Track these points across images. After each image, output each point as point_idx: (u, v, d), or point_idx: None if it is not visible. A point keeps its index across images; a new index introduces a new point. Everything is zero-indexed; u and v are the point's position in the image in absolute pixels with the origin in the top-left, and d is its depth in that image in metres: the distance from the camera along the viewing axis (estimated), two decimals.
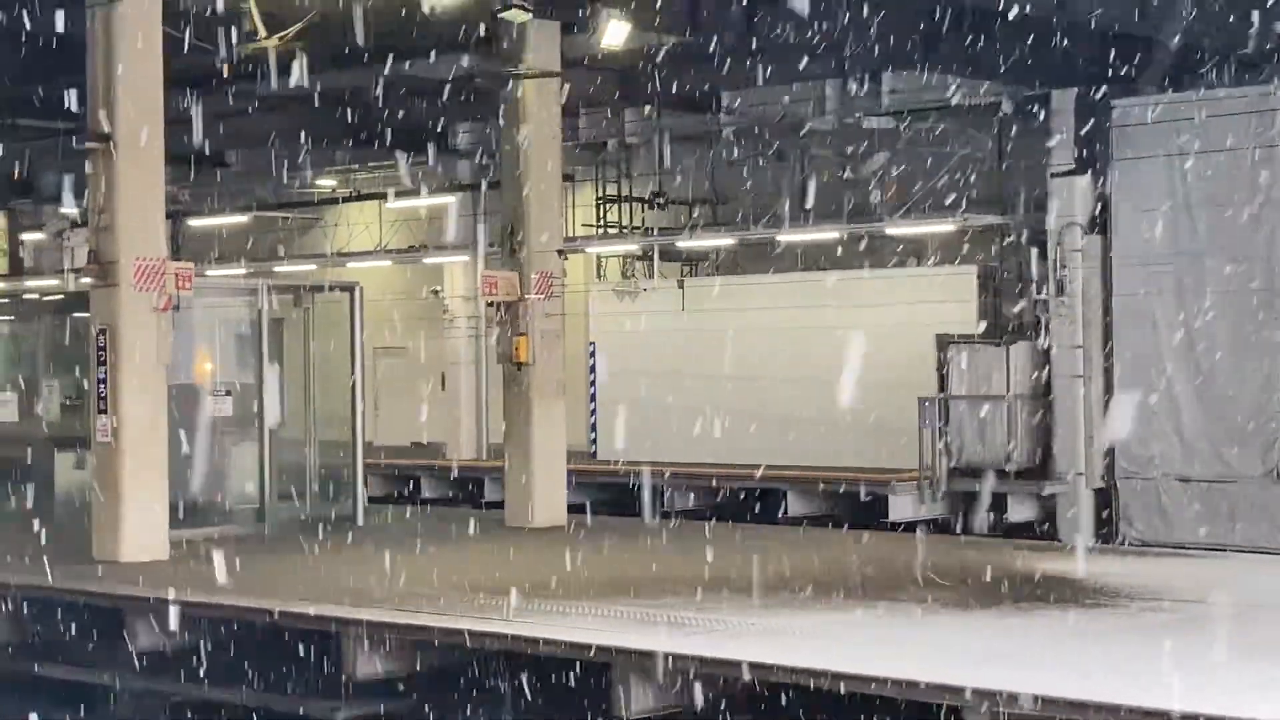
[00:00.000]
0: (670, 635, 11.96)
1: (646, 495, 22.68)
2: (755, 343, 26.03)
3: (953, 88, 22.16)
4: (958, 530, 21.62)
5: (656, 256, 27.67)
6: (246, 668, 13.90)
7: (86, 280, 16.83)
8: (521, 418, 19.89)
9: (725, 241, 26.71)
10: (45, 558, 15.70)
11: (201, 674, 14.16)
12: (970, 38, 19.59)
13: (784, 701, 11.14)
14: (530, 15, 18.13)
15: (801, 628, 12.34)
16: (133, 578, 14.91)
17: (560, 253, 20.36)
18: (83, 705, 14.67)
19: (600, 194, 28.30)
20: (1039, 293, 22.06)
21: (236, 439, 19.21)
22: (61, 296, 23.57)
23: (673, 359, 26.88)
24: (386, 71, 19.89)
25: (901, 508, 22.35)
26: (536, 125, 19.70)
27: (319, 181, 31.53)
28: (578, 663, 12.01)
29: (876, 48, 19.40)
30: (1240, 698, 9.61)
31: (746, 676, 10.95)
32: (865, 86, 23.24)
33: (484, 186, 27.46)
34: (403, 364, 31.50)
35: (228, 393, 19.04)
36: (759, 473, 23.52)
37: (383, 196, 30.05)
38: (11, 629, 15.42)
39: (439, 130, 26.12)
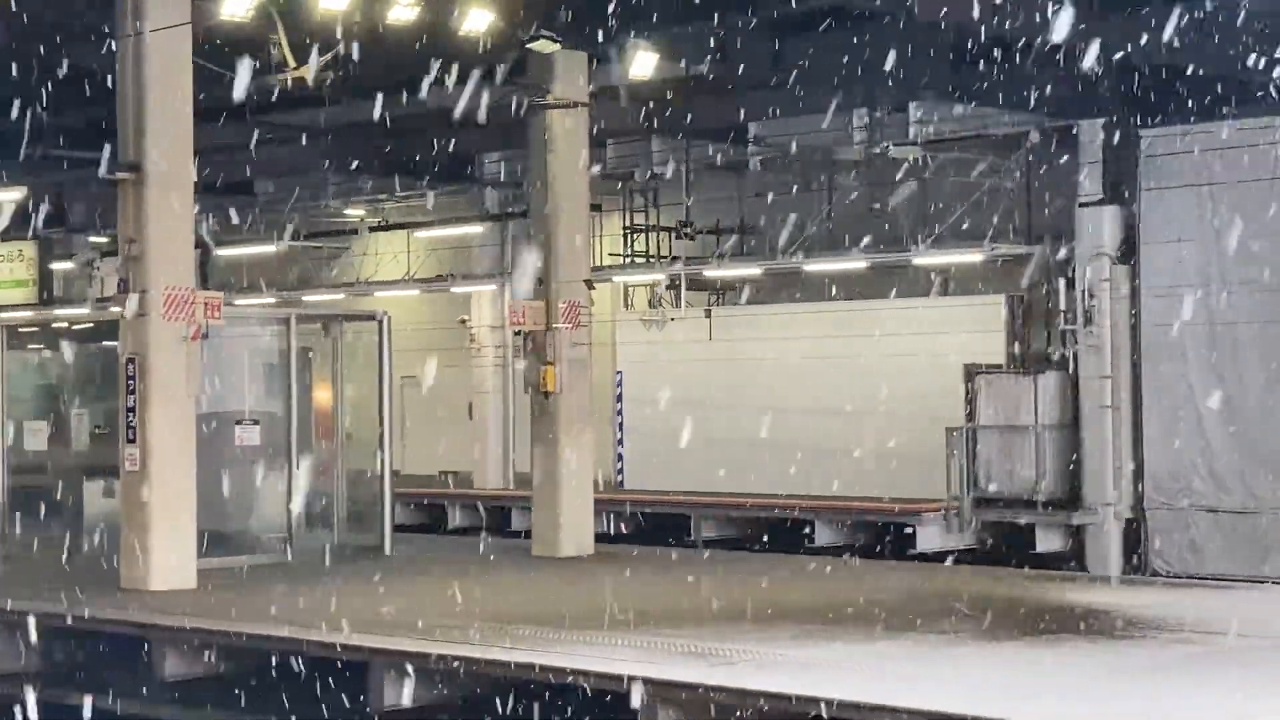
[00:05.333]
0: (697, 666, 11.94)
1: (673, 525, 22.57)
2: (782, 372, 26.00)
3: (980, 117, 22.14)
4: (985, 561, 21.52)
5: (684, 286, 27.65)
6: (272, 698, 13.88)
7: (116, 309, 16.88)
8: (549, 447, 19.90)
9: (752, 271, 26.70)
10: (74, 586, 15.73)
11: (226, 704, 14.16)
12: (998, 68, 19.56)
13: None
14: (559, 46, 18.22)
15: (828, 659, 12.30)
16: (160, 606, 14.94)
17: (588, 282, 20.38)
18: None
19: (628, 223, 28.31)
20: (1067, 323, 21.99)
21: (264, 468, 19.24)
22: (91, 325, 23.62)
23: (700, 388, 26.83)
24: (415, 101, 19.93)
25: (929, 538, 22.30)
26: (564, 155, 19.75)
27: (347, 211, 31.60)
28: (605, 693, 11.98)
29: (904, 77, 19.40)
30: None
31: (770, 708, 10.91)
32: (892, 116, 23.21)
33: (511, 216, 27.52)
34: (430, 393, 31.45)
35: (255, 422, 19.08)
36: (786, 502, 23.48)
37: (411, 226, 30.08)
38: (39, 658, 15.41)
39: (467, 160, 26.13)
